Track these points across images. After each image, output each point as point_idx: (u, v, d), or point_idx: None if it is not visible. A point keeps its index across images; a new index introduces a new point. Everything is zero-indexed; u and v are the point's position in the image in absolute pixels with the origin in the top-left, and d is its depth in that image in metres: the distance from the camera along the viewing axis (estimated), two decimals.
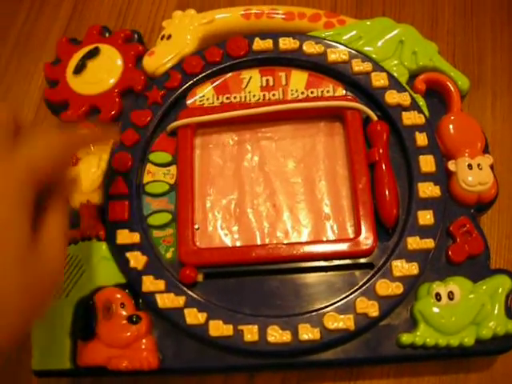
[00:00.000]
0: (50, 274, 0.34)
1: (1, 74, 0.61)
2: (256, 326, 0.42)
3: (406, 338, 0.42)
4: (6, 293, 0.31)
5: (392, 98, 0.48)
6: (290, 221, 0.47)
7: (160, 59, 0.52)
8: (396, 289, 0.43)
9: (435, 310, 0.43)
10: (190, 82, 0.50)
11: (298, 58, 0.51)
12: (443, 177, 0.46)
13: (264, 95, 0.50)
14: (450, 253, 0.44)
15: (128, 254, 0.45)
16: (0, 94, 0.60)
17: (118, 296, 0.44)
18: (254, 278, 0.45)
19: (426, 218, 0.44)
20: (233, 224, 0.47)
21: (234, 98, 0.50)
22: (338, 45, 0.51)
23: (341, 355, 0.43)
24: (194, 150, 0.49)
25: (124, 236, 0.45)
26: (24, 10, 0.64)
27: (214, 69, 0.51)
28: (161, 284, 0.44)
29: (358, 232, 0.45)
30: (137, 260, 0.44)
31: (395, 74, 0.50)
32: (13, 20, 0.64)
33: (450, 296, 0.43)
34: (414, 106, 0.48)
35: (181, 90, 0.50)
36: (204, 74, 0.51)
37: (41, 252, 0.34)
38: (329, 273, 0.44)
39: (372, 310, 0.42)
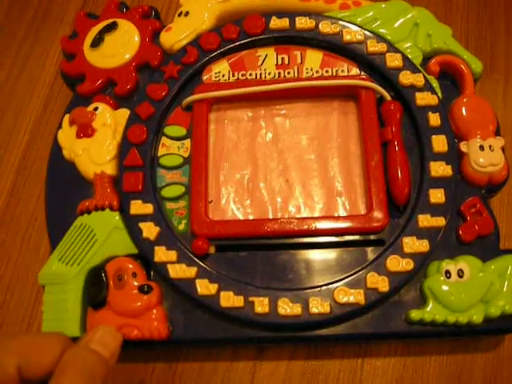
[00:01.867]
0: None
1: (18, 47, 0.62)
2: (267, 299, 0.42)
3: (415, 314, 0.42)
4: None
5: (406, 78, 0.49)
6: (302, 196, 0.47)
7: (177, 35, 0.52)
8: (406, 265, 0.43)
9: (445, 287, 0.43)
10: (206, 58, 0.51)
11: (313, 38, 0.51)
12: (455, 157, 0.46)
13: (279, 73, 0.50)
14: (460, 232, 0.45)
15: (141, 225, 0.45)
16: (17, 67, 0.61)
17: (130, 266, 0.44)
18: (266, 251, 0.45)
19: (437, 196, 0.45)
20: (245, 198, 0.47)
21: (250, 74, 0.50)
22: (353, 25, 0.51)
23: (350, 330, 0.43)
24: (209, 125, 0.50)
25: (137, 207, 0.46)
26: None
27: (231, 46, 0.51)
28: (173, 255, 0.44)
29: (369, 209, 0.45)
30: (149, 230, 0.45)
31: (409, 56, 0.50)
32: None
33: (460, 274, 0.43)
34: (428, 87, 0.49)
35: (197, 65, 0.51)
36: (220, 51, 0.51)
37: None
38: (340, 248, 0.45)
39: (382, 285, 0.42)
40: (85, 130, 0.49)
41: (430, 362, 0.47)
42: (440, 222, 0.44)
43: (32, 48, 0.62)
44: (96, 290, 0.44)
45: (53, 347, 0.32)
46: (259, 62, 0.51)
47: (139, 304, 0.43)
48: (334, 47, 0.51)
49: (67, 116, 0.50)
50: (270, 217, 0.47)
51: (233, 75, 0.51)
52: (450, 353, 0.47)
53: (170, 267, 0.44)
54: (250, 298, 0.42)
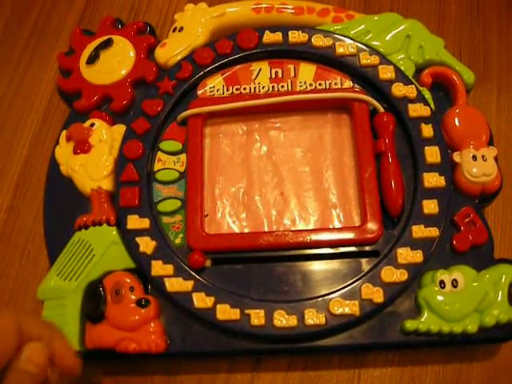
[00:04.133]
0: None
1: (16, 64, 0.63)
2: (263, 311, 0.43)
3: (410, 325, 0.43)
4: None
5: (399, 90, 0.49)
6: (297, 209, 0.48)
7: (172, 50, 0.53)
8: (401, 276, 0.43)
9: (439, 297, 0.43)
10: (200, 73, 0.51)
11: (306, 51, 0.51)
12: (448, 167, 0.47)
13: (273, 87, 0.51)
14: (454, 242, 0.45)
15: (138, 239, 0.46)
16: (15, 84, 0.62)
17: (128, 280, 0.45)
18: (261, 264, 0.45)
19: (430, 207, 0.45)
20: (241, 211, 0.48)
21: (244, 89, 0.51)
22: (346, 38, 0.52)
23: (346, 341, 0.43)
24: (204, 139, 0.50)
25: (134, 221, 0.46)
26: (39, 2, 0.66)
27: (225, 60, 0.52)
28: (169, 268, 0.44)
29: (363, 220, 0.45)
30: (146, 245, 0.45)
31: (402, 68, 0.51)
32: (28, 12, 0.65)
33: (454, 284, 0.44)
34: (420, 99, 0.49)
35: (191, 80, 0.51)
36: (214, 66, 0.52)
37: None
38: (335, 260, 0.45)
39: (377, 296, 0.43)
40: (81, 146, 0.49)
41: (426, 372, 0.47)
42: (434, 232, 0.45)
43: (30, 63, 0.62)
44: (94, 304, 0.44)
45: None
46: (253, 76, 0.51)
47: (137, 318, 0.43)
48: (327, 60, 0.51)
49: (64, 132, 0.51)
50: (266, 229, 0.47)
51: (227, 89, 0.51)
52: (447, 362, 0.47)
53: (166, 281, 0.44)
54: (246, 311, 0.43)
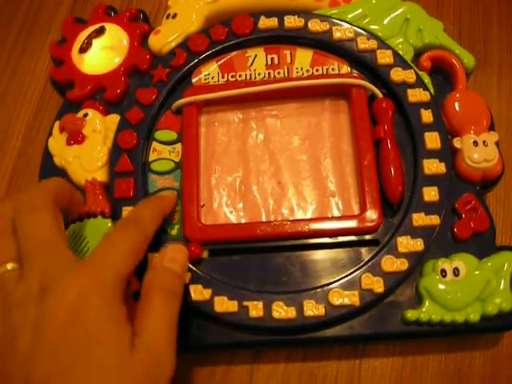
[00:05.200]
0: (158, 368, 0.35)
1: (8, 55, 0.62)
2: (261, 303, 0.42)
3: (411, 315, 0.42)
4: None
5: (397, 75, 0.48)
6: (295, 198, 0.47)
7: (165, 38, 0.52)
8: (401, 265, 0.42)
9: (440, 286, 0.43)
10: (195, 61, 0.50)
11: (303, 36, 0.50)
12: (448, 154, 0.46)
13: (269, 73, 0.50)
14: (455, 229, 0.44)
15: None
16: (7, 75, 0.61)
17: None
18: (259, 254, 0.45)
19: (431, 194, 0.44)
20: (238, 201, 0.47)
21: (239, 76, 0.50)
22: (343, 23, 0.51)
23: (346, 331, 0.43)
24: (199, 128, 0.49)
25: None
26: None
27: (219, 47, 0.51)
28: None
29: (363, 209, 0.45)
30: None
31: (401, 52, 0.50)
32: (19, 1, 0.64)
33: (456, 272, 0.43)
34: (420, 84, 0.48)
35: (186, 68, 0.50)
36: (209, 53, 0.51)
37: (145, 351, 0.34)
38: (334, 249, 0.44)
39: (377, 285, 0.42)
40: (75, 137, 0.48)
41: (428, 361, 0.46)
42: (434, 220, 0.44)
43: (22, 54, 0.62)
44: None
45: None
46: (249, 63, 0.50)
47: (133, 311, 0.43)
48: (324, 45, 0.50)
49: (57, 123, 0.50)
50: (263, 219, 0.46)
51: (222, 77, 0.50)
52: (449, 351, 0.46)
53: None
54: (244, 303, 0.42)
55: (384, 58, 0.49)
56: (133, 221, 0.40)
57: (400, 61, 0.49)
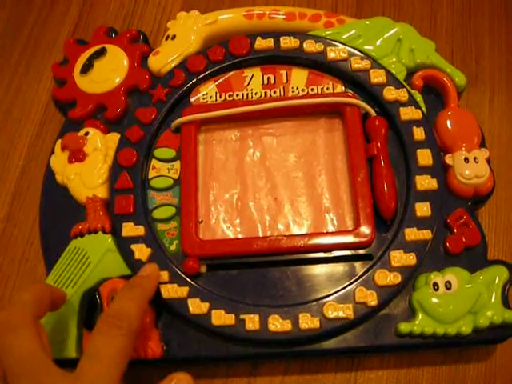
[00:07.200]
0: None
1: (11, 75, 0.63)
2: (257, 316, 0.43)
3: (404, 327, 0.43)
4: None
5: (390, 94, 0.49)
6: (290, 214, 0.48)
7: (165, 58, 0.53)
8: (394, 278, 0.43)
9: (433, 299, 0.43)
10: (193, 81, 0.52)
11: (298, 57, 0.52)
12: (440, 170, 0.47)
13: (265, 93, 0.51)
14: (447, 244, 0.45)
15: (133, 247, 0.46)
16: (10, 94, 0.62)
17: None
18: (256, 269, 0.46)
19: (423, 209, 0.45)
20: (235, 217, 0.48)
21: (237, 95, 0.51)
22: (337, 43, 0.52)
23: (341, 344, 0.44)
24: (198, 146, 0.50)
25: (129, 229, 0.46)
26: (33, 13, 0.66)
27: (217, 67, 0.52)
28: (165, 275, 0.45)
29: (357, 224, 0.46)
30: (141, 252, 0.46)
31: (393, 71, 0.51)
32: (23, 22, 0.66)
33: (448, 286, 0.44)
34: (412, 102, 0.49)
35: (185, 88, 0.52)
36: (207, 73, 0.52)
37: None
38: (329, 264, 0.45)
39: (371, 299, 0.43)
40: (76, 155, 0.50)
41: (422, 374, 0.47)
42: (427, 235, 0.45)
43: (25, 74, 0.63)
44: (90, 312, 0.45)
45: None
46: (245, 83, 0.52)
47: None
48: (319, 65, 0.52)
49: (59, 141, 0.51)
50: (260, 235, 0.47)
51: (220, 96, 0.51)
52: (443, 364, 0.47)
53: (162, 287, 0.44)
54: (241, 316, 0.43)
55: (377, 77, 0.50)
56: (117, 320, 0.38)
57: (393, 80, 0.50)
